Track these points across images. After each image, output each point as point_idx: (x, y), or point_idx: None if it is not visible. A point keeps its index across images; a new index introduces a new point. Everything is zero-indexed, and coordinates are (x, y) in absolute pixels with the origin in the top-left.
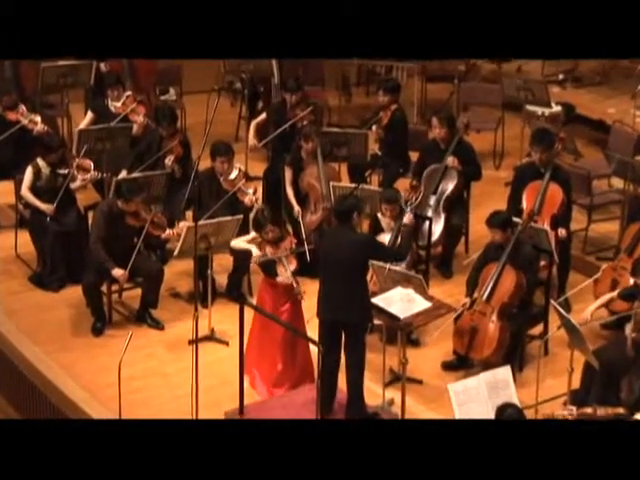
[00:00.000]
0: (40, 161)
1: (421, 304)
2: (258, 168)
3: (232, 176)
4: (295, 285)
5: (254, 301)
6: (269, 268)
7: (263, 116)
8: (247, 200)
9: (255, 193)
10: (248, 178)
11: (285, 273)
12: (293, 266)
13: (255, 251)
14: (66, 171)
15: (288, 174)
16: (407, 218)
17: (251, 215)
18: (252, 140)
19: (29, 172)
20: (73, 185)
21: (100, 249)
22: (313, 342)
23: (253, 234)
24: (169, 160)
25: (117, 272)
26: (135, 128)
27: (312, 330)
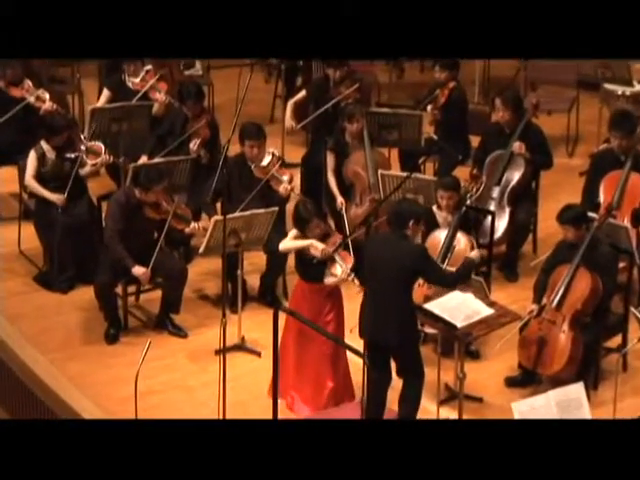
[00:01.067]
0: (44, 144)
1: (482, 311)
2: (296, 153)
3: (264, 162)
4: (358, 288)
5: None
6: (312, 271)
7: (302, 94)
8: (282, 189)
9: (291, 182)
10: (284, 165)
11: (342, 270)
12: (350, 263)
13: (318, 244)
14: (74, 155)
15: (330, 161)
16: (475, 254)
17: (288, 207)
18: (289, 121)
19: (32, 157)
20: (82, 171)
21: (117, 244)
22: (359, 354)
23: (295, 232)
24: (194, 144)
25: (138, 270)
26: (156, 107)
27: (351, 339)
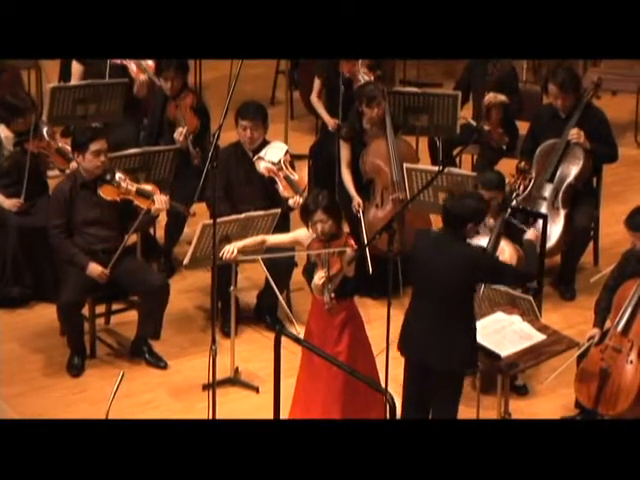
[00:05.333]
0: (3, 130)
1: (530, 337)
2: (303, 144)
3: (274, 158)
4: (327, 298)
5: (297, 330)
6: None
7: (318, 83)
8: (292, 203)
9: (304, 190)
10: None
11: (318, 277)
12: (335, 269)
13: (303, 239)
14: (37, 149)
15: (345, 152)
16: (532, 234)
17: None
18: (330, 120)
19: None
20: (50, 173)
21: (62, 240)
22: (380, 391)
23: (295, 233)
24: (179, 134)
25: (93, 269)
26: (137, 86)
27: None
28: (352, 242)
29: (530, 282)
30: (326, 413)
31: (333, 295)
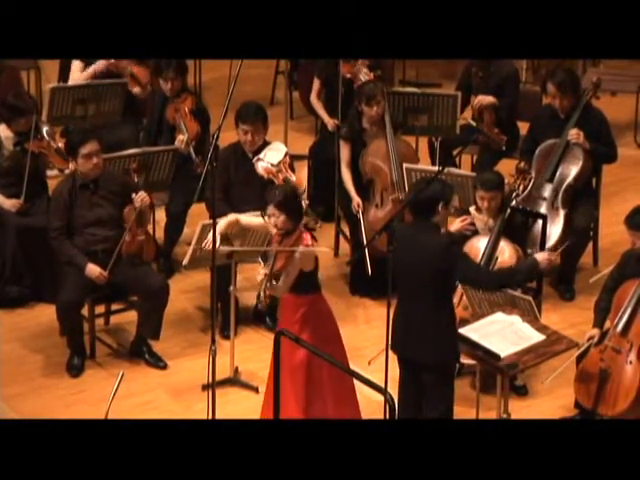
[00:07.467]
0: (4, 130)
1: (531, 337)
2: (302, 144)
3: (273, 160)
4: (261, 296)
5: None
6: None
7: (318, 84)
8: None
9: (303, 192)
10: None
11: (258, 272)
12: (279, 266)
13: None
14: (37, 149)
15: (344, 152)
16: (545, 259)
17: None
18: (330, 121)
19: None
20: (50, 172)
21: (62, 241)
22: (376, 388)
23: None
24: (180, 142)
25: (91, 270)
26: (138, 92)
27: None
28: (307, 238)
29: (502, 287)
30: (287, 411)
31: (268, 293)
